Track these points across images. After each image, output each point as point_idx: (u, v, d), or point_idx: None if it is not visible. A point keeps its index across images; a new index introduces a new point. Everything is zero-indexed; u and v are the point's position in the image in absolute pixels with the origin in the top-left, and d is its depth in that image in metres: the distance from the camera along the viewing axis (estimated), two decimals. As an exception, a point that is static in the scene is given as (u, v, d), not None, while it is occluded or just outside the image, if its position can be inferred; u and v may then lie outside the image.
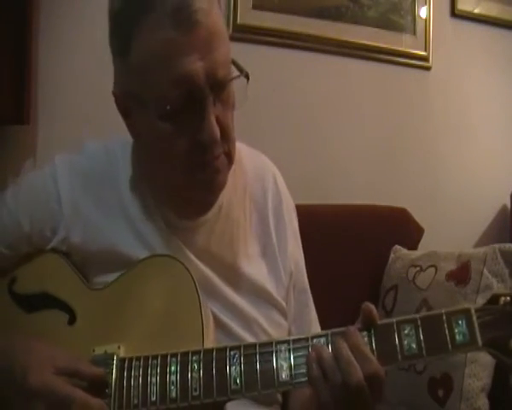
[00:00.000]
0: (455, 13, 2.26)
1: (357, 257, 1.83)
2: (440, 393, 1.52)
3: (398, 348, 0.80)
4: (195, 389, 0.82)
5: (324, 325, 1.11)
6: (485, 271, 1.54)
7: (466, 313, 0.80)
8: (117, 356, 0.88)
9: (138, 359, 0.87)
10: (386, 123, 2.17)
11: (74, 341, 0.93)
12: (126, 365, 0.87)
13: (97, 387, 0.85)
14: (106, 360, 0.88)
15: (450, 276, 1.61)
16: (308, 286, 1.14)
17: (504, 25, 2.32)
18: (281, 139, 1.97)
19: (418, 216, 1.95)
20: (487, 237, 2.24)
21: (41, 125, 1.73)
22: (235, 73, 0.92)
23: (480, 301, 1.50)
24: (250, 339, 0.99)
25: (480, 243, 2.22)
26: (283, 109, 2.01)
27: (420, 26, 2.19)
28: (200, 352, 0.85)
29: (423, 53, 2.20)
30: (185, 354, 0.85)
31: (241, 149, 1.06)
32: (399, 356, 0.79)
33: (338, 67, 2.10)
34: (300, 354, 0.82)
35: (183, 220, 1.02)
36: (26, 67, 1.58)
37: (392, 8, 2.15)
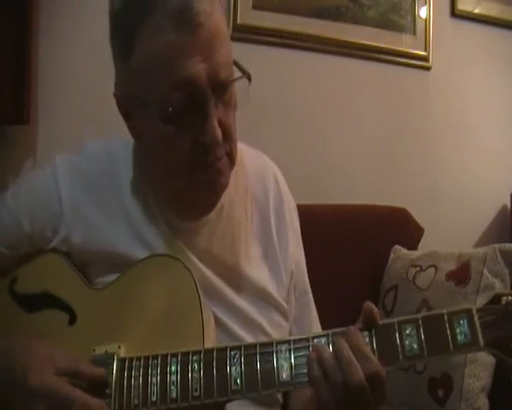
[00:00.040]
0: (455, 13, 2.26)
1: (357, 257, 1.83)
2: (440, 393, 1.52)
3: (400, 349, 0.79)
4: (196, 390, 0.82)
5: (324, 324, 1.11)
6: (485, 271, 1.54)
7: (468, 313, 0.79)
8: (117, 356, 0.88)
9: (138, 359, 0.87)
10: (386, 123, 2.17)
11: (75, 341, 0.93)
12: (127, 365, 0.87)
13: (97, 387, 0.85)
14: (106, 360, 0.88)
15: (450, 276, 1.61)
16: (309, 287, 1.14)
17: (504, 25, 2.33)
18: (281, 139, 1.97)
19: (418, 216, 1.95)
20: (487, 237, 2.24)
21: (41, 125, 1.73)
22: (237, 73, 0.92)
23: (480, 301, 1.50)
24: (251, 341, 0.98)
25: (480, 243, 2.22)
26: (283, 109, 2.01)
27: (420, 26, 2.19)
28: (200, 352, 0.84)
29: (423, 53, 2.20)
30: (185, 354, 0.84)
31: (243, 149, 1.06)
32: (400, 356, 0.79)
33: (338, 67, 2.10)
34: (301, 354, 0.82)
35: (184, 221, 1.01)
36: (26, 67, 1.58)
37: (392, 8, 2.15)
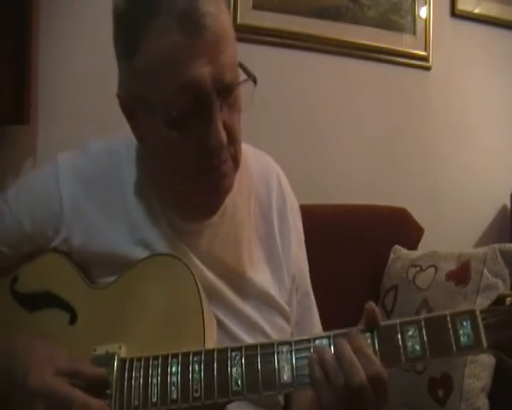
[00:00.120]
0: (455, 13, 2.26)
1: (357, 257, 1.83)
2: (440, 393, 1.52)
3: (402, 350, 0.79)
4: (196, 390, 0.82)
5: (323, 323, 1.12)
6: (485, 271, 1.54)
7: (471, 314, 0.79)
8: (118, 356, 0.88)
9: (139, 359, 0.86)
10: (386, 123, 2.17)
11: (75, 340, 0.93)
12: (127, 365, 0.87)
13: (98, 387, 0.85)
14: (107, 360, 0.88)
15: (450, 276, 1.61)
16: (311, 289, 1.13)
17: (504, 25, 2.33)
18: (281, 139, 1.97)
19: (418, 216, 1.95)
20: (487, 237, 2.24)
21: (41, 125, 1.73)
22: (243, 75, 0.91)
23: (480, 301, 1.50)
24: None
25: (480, 243, 2.22)
26: (283, 109, 2.01)
27: (420, 26, 2.19)
28: (201, 352, 0.84)
29: (423, 53, 2.20)
30: (186, 355, 0.84)
31: (247, 149, 1.05)
32: (403, 358, 0.79)
33: (338, 67, 2.10)
34: (302, 355, 0.81)
35: (187, 223, 1.01)
36: (26, 67, 1.58)
37: (392, 8, 2.15)
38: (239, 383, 0.81)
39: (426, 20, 2.20)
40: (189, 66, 0.84)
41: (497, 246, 1.57)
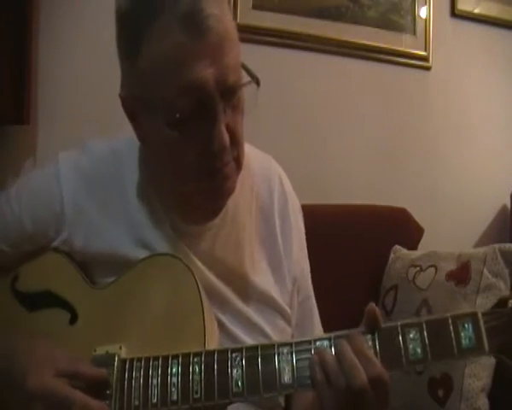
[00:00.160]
0: (455, 13, 2.26)
1: (357, 257, 1.83)
2: (440, 393, 1.52)
3: (403, 352, 0.79)
4: (197, 392, 0.82)
5: (323, 323, 1.12)
6: (485, 271, 1.54)
7: (473, 317, 0.78)
8: (118, 357, 0.88)
9: (139, 360, 0.86)
10: (386, 123, 2.16)
11: (75, 340, 0.93)
12: (127, 366, 0.87)
13: (98, 388, 0.85)
14: (107, 361, 0.88)
15: (450, 276, 1.60)
16: (312, 292, 1.13)
17: (504, 25, 2.32)
18: (281, 139, 1.97)
19: (418, 216, 1.95)
20: (487, 237, 2.24)
21: (41, 125, 1.73)
22: (246, 77, 0.91)
23: (480, 301, 1.50)
24: None
25: (480, 243, 2.22)
26: (283, 109, 2.01)
27: (420, 26, 2.19)
28: (201, 354, 0.84)
29: (423, 53, 2.20)
30: (186, 356, 0.84)
31: (249, 150, 1.05)
32: (404, 360, 0.78)
33: (338, 67, 2.10)
34: (303, 356, 0.81)
35: (190, 225, 1.00)
36: (26, 67, 1.58)
37: (392, 8, 2.15)
38: (239, 384, 0.81)
39: (426, 20, 2.20)
40: (193, 67, 0.83)
41: (497, 246, 1.57)
